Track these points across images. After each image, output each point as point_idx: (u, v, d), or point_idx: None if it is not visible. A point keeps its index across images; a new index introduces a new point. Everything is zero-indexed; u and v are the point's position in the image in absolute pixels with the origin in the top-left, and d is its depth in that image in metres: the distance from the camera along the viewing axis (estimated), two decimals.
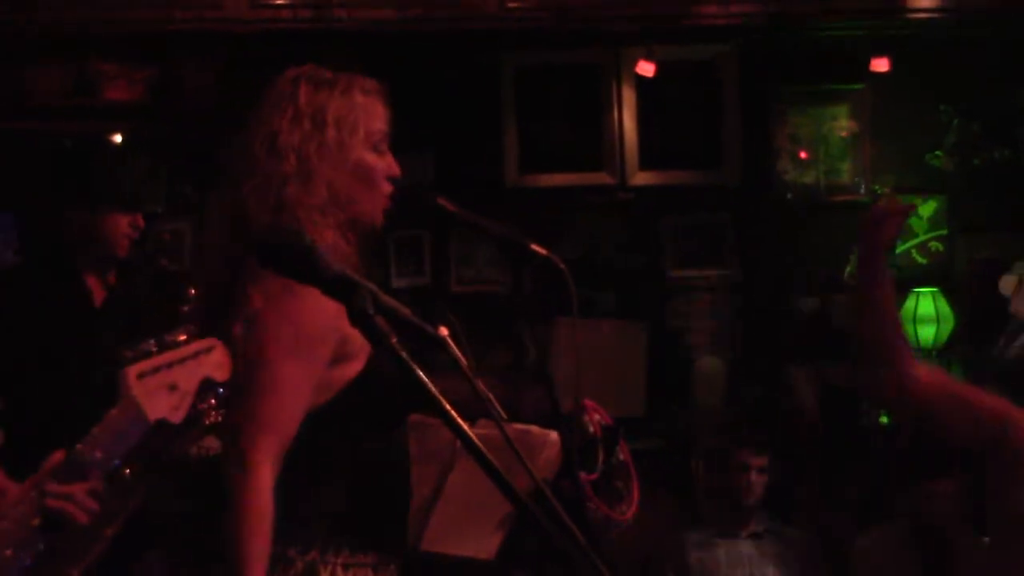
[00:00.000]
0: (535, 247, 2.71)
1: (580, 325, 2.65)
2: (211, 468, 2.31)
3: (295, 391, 2.25)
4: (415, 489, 2.57)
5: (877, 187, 5.69)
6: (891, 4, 5.37)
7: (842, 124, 5.88)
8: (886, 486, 4.85)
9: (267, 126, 2.37)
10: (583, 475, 2.74)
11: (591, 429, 2.81)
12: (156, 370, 1.96)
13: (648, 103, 5.79)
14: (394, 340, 1.58)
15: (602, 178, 5.80)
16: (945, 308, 5.50)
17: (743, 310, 5.76)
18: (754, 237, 5.81)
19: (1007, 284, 5.20)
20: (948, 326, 5.50)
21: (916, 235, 5.77)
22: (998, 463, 2.66)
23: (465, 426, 1.56)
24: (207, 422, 2.04)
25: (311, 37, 5.13)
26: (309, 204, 2.33)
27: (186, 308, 3.64)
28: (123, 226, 3.78)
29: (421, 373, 1.57)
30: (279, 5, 5.17)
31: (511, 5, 5.26)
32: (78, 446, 1.94)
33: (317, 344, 2.27)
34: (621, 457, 2.87)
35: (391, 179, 2.44)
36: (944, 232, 5.78)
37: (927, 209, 5.78)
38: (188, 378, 1.99)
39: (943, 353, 5.53)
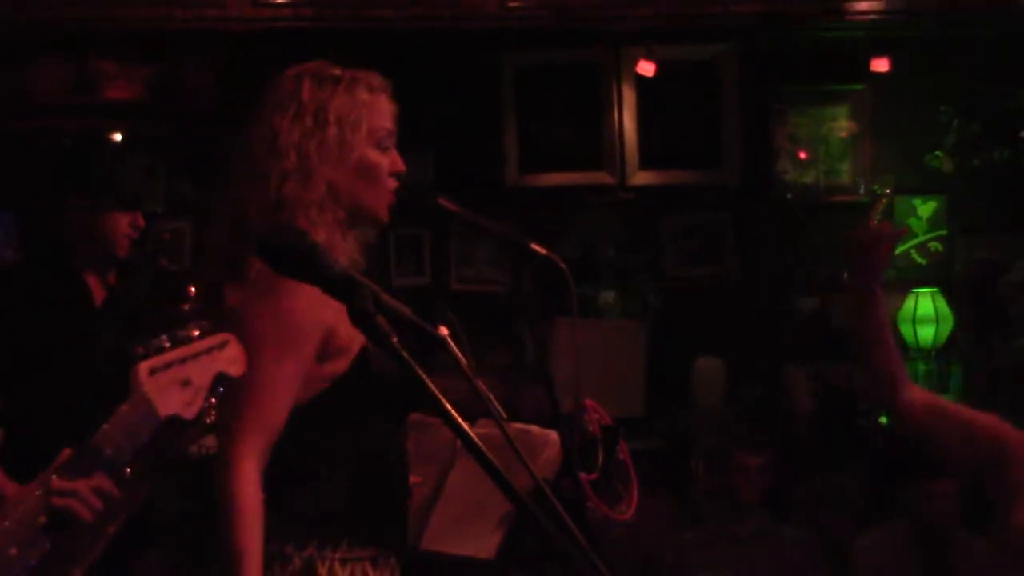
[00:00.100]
0: (535, 247, 2.72)
1: (580, 325, 2.65)
2: (211, 467, 2.31)
3: (279, 388, 2.24)
4: (415, 488, 2.57)
5: (877, 187, 5.67)
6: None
7: (842, 124, 5.87)
8: (886, 486, 4.85)
9: (268, 125, 2.37)
10: (583, 475, 2.74)
11: (591, 429, 2.81)
12: (168, 366, 1.94)
13: (648, 103, 5.79)
14: (395, 339, 1.58)
15: (602, 178, 5.79)
16: (944, 308, 5.50)
17: (743, 310, 5.75)
18: (754, 237, 5.81)
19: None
20: (947, 326, 5.49)
21: (916, 235, 5.77)
22: (997, 482, 2.67)
23: (465, 425, 1.56)
24: (208, 420, 2.03)
25: (312, 36, 5.13)
26: (308, 201, 2.32)
27: (186, 307, 3.64)
28: (123, 225, 3.78)
29: (421, 372, 1.57)
30: (280, 4, 5.17)
31: (511, 5, 5.26)
32: (88, 442, 1.93)
33: (301, 341, 2.27)
34: (621, 457, 2.87)
35: (395, 175, 2.44)
36: (944, 232, 5.78)
37: (927, 209, 5.77)
38: (202, 373, 1.98)
39: (942, 353, 5.53)
